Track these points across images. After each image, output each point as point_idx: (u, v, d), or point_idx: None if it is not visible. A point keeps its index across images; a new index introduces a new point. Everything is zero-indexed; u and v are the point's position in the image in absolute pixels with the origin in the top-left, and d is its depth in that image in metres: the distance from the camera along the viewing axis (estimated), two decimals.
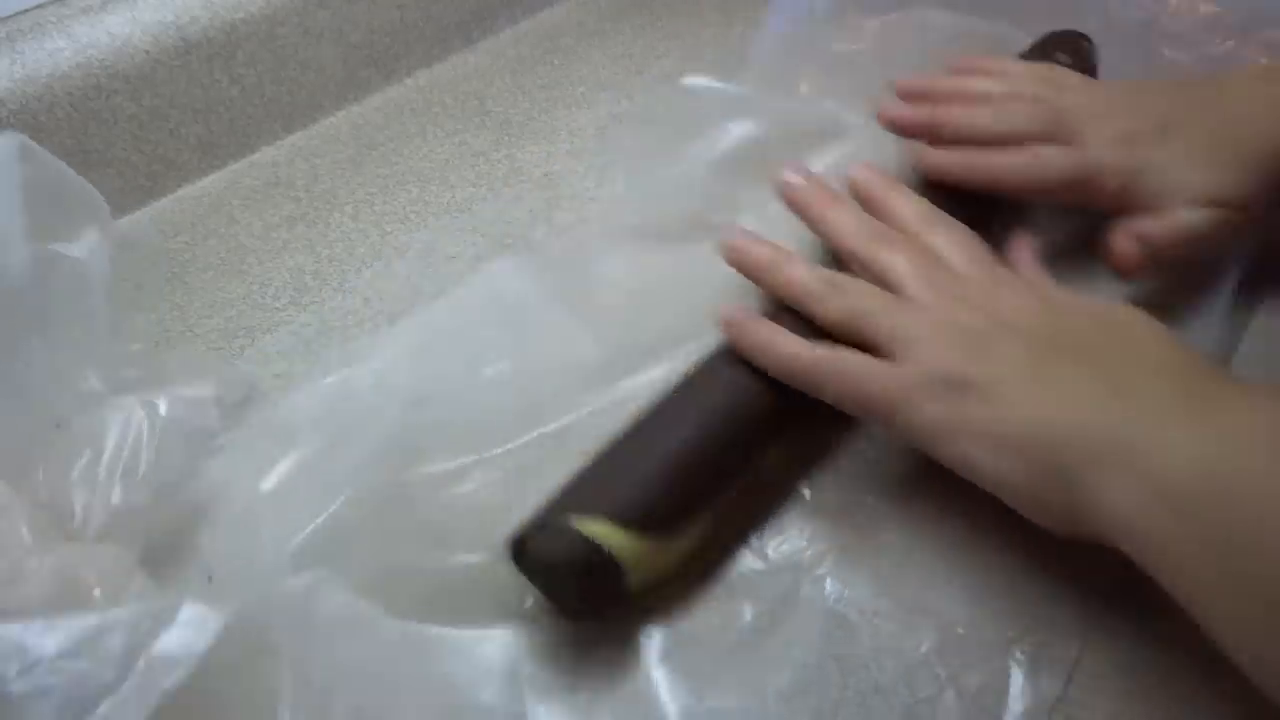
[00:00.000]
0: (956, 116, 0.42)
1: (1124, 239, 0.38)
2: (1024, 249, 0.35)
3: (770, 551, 0.32)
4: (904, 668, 0.29)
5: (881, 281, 0.32)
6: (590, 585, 0.28)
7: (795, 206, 0.36)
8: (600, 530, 0.28)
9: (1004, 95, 0.42)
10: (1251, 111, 0.38)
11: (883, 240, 0.34)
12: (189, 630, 0.23)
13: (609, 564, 0.28)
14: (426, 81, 0.56)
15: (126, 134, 0.47)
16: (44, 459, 0.29)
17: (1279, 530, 0.24)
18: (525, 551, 0.29)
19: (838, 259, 0.35)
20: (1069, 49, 0.48)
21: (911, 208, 0.35)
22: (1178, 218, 0.38)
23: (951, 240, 0.34)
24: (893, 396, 0.30)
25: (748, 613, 0.30)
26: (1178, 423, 0.27)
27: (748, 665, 0.29)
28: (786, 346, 0.32)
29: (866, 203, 0.36)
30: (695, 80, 0.47)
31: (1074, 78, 0.43)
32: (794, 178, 0.37)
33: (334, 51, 0.53)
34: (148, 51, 0.46)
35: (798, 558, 0.32)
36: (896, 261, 0.33)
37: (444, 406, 0.34)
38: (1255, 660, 0.25)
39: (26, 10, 0.45)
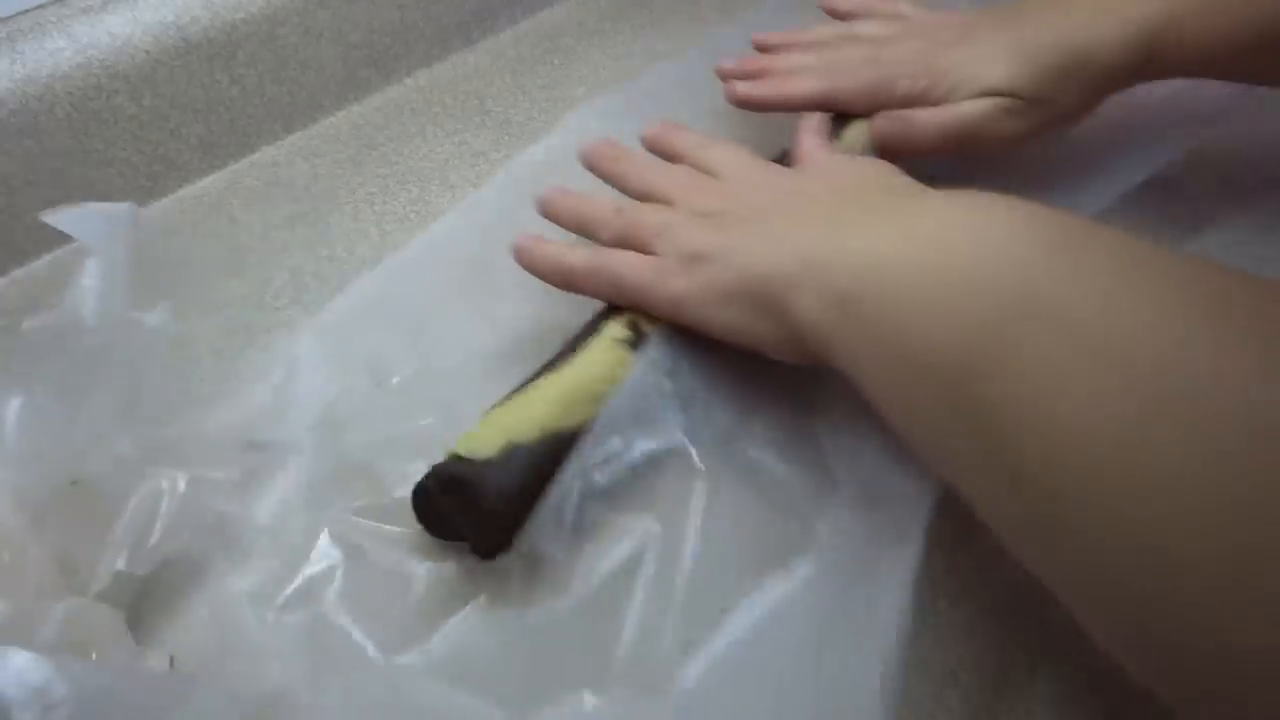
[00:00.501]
0: (778, 60, 0.46)
1: (882, 120, 0.42)
2: (808, 129, 0.40)
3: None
4: None
5: (656, 199, 0.37)
6: (447, 485, 0.30)
7: (590, 165, 0.41)
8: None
9: (836, 37, 0.47)
10: (1043, 15, 0.40)
11: (658, 168, 0.39)
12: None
13: (449, 461, 0.31)
14: (426, 81, 0.56)
15: (126, 134, 0.47)
16: (61, 512, 0.30)
17: (921, 314, 0.25)
18: (429, 519, 0.32)
19: None
20: None
21: (687, 136, 0.40)
22: (952, 108, 0.40)
23: (723, 154, 0.38)
24: (648, 279, 0.34)
25: None
26: (858, 232, 0.29)
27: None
28: (563, 258, 0.36)
29: (652, 147, 0.41)
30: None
31: (920, 13, 0.47)
32: (590, 143, 0.41)
33: (334, 51, 0.53)
34: (148, 51, 0.46)
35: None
36: (667, 179, 0.37)
37: (365, 424, 0.36)
38: (925, 443, 0.27)
39: (26, 10, 0.45)
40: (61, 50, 0.44)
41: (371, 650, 0.30)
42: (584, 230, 0.38)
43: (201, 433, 0.35)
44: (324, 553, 0.32)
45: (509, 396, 0.33)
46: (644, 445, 0.33)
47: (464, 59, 0.58)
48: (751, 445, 0.34)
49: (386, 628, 0.30)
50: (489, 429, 0.31)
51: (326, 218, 0.47)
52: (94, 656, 0.27)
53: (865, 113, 0.43)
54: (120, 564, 0.30)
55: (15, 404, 0.31)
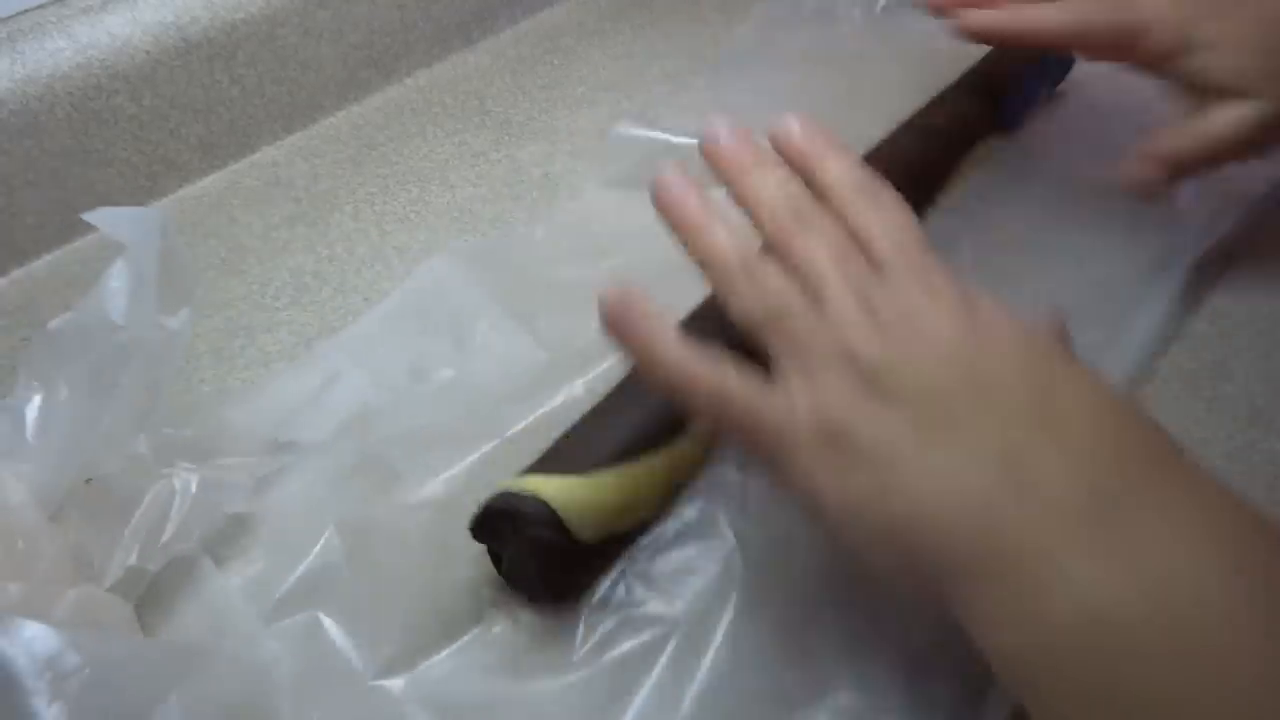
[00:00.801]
0: None
1: (1141, 167, 0.37)
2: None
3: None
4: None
5: (798, 273, 0.27)
6: (533, 538, 0.29)
7: (713, 164, 0.30)
8: (527, 483, 0.30)
9: None
10: None
11: (802, 221, 0.28)
12: None
13: (540, 507, 0.29)
14: (426, 81, 0.56)
15: (126, 134, 0.47)
16: (77, 508, 0.31)
17: (1169, 691, 0.21)
18: (481, 527, 0.30)
19: None
20: None
21: (845, 173, 0.29)
22: (1211, 125, 0.36)
23: (883, 221, 0.28)
24: (767, 434, 0.26)
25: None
26: (1073, 540, 0.22)
27: None
28: (666, 352, 0.27)
29: (796, 162, 0.30)
30: (623, 130, 0.48)
31: None
32: (716, 130, 0.31)
33: (334, 51, 0.53)
34: (148, 51, 0.46)
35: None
36: (816, 254, 0.27)
37: (397, 420, 0.36)
38: None
39: (26, 10, 0.45)
40: (61, 50, 0.44)
41: (357, 664, 0.29)
42: (706, 269, 0.29)
43: (220, 432, 0.35)
44: (329, 552, 0.31)
45: (567, 452, 0.32)
46: (693, 535, 0.31)
47: (464, 59, 0.58)
48: (795, 563, 0.31)
49: (375, 644, 0.29)
50: (569, 501, 0.30)
51: (326, 218, 0.47)
52: None
53: (1110, 55, 0.38)
54: (133, 559, 0.30)
55: (36, 401, 0.31)
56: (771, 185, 0.29)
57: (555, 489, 0.30)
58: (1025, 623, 0.22)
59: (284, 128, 0.52)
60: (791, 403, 0.25)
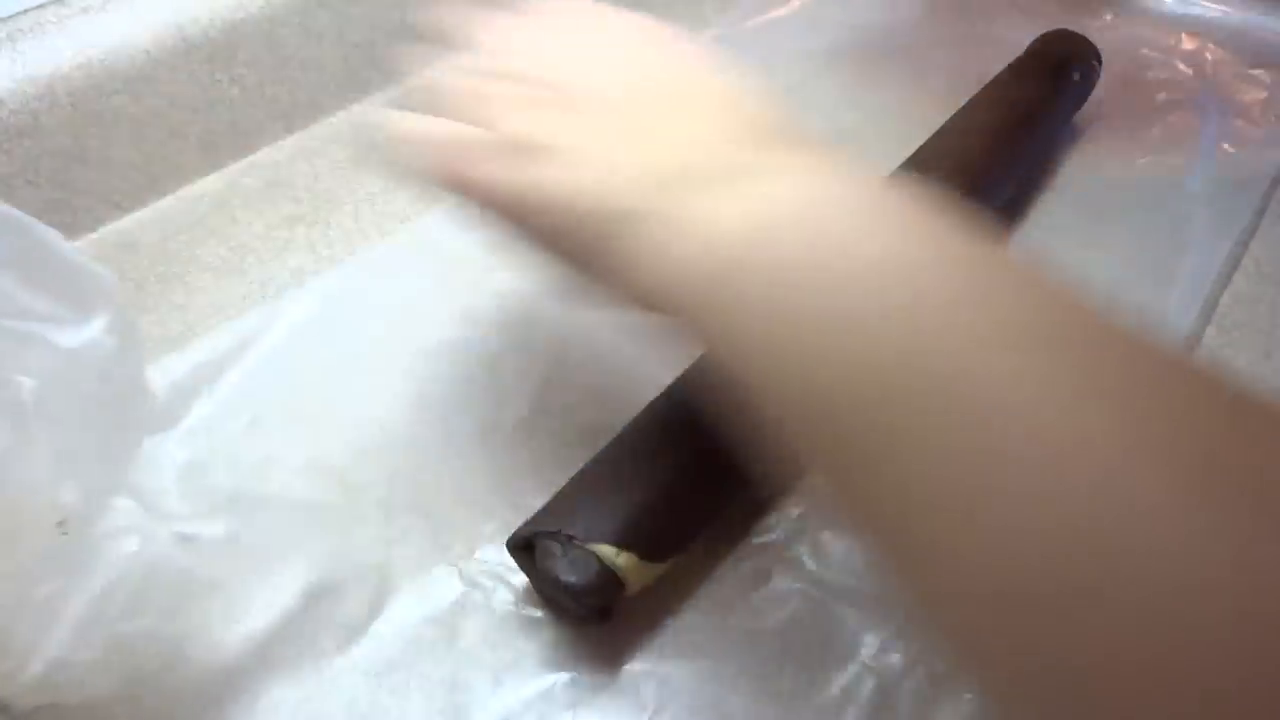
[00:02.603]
0: None
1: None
2: None
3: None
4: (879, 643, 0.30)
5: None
6: (593, 600, 0.29)
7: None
8: (608, 552, 0.29)
9: None
10: None
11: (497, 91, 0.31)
12: None
13: (614, 582, 0.29)
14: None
15: (126, 134, 0.47)
16: (16, 576, 0.25)
17: (822, 293, 0.22)
18: (536, 564, 0.30)
19: None
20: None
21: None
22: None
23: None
24: (461, 155, 0.29)
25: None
26: (710, 187, 0.25)
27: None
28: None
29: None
30: None
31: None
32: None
33: (334, 51, 0.53)
34: (148, 51, 0.46)
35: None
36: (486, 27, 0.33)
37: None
38: (778, 409, 0.23)
39: (26, 10, 0.45)
40: (61, 50, 0.44)
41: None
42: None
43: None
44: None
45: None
46: None
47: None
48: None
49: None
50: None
51: (326, 218, 0.47)
52: None
53: None
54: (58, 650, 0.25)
55: None
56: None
57: (635, 573, 0.29)
58: (663, 259, 0.24)
59: (284, 128, 0.52)
60: (483, 138, 0.28)
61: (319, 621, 0.31)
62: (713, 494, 0.32)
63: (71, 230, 0.45)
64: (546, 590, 0.31)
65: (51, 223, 0.27)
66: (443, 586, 0.32)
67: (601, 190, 0.26)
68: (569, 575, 0.29)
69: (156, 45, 0.47)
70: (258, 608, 0.31)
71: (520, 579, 0.32)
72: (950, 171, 0.41)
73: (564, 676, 0.30)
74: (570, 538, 0.29)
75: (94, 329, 0.26)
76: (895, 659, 0.30)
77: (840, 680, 0.29)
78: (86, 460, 0.26)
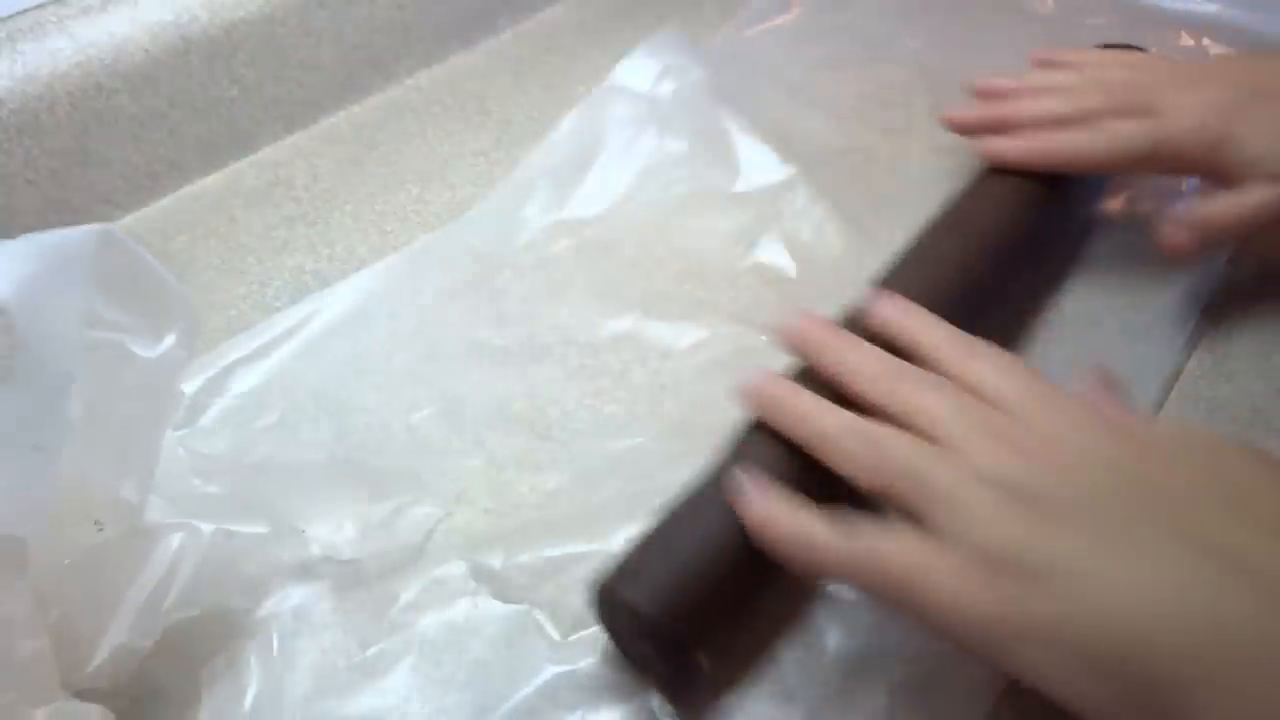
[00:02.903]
0: (1023, 107, 0.40)
1: (1174, 230, 0.37)
2: (1095, 379, 0.29)
3: None
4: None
5: (915, 428, 0.26)
6: (663, 666, 0.29)
7: (801, 351, 0.31)
8: (686, 631, 0.27)
9: (1079, 81, 0.41)
10: None
11: (907, 378, 0.28)
12: None
13: (691, 661, 0.28)
14: (426, 81, 0.56)
15: (126, 134, 0.47)
16: (81, 570, 0.27)
17: None
18: (615, 625, 0.29)
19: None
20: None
21: (940, 333, 0.29)
22: (1245, 199, 0.36)
23: (996, 367, 0.27)
24: (934, 584, 0.24)
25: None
26: None
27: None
28: (816, 537, 0.26)
29: (887, 335, 0.30)
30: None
31: (1155, 59, 0.42)
32: (794, 320, 0.31)
33: (334, 51, 0.53)
34: (148, 51, 0.46)
35: None
36: (931, 404, 0.26)
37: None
38: None
39: (26, 10, 0.45)
40: (61, 50, 0.44)
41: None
42: (818, 453, 0.28)
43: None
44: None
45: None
46: None
47: (464, 59, 0.58)
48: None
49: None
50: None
51: (326, 218, 0.47)
52: None
53: (1144, 171, 0.39)
54: (124, 637, 0.27)
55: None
56: (863, 352, 0.29)
57: (706, 649, 0.28)
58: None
59: (284, 128, 0.52)
60: (944, 549, 0.24)
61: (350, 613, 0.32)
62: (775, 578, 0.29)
63: None
64: (623, 644, 0.30)
65: (51, 222, 0.27)
66: (462, 585, 0.32)
67: (1120, 627, 0.21)
68: (658, 666, 0.29)
69: (156, 45, 0.47)
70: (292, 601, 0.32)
71: (548, 592, 0.31)
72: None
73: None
74: (647, 606, 0.27)
75: (169, 342, 0.28)
76: None
77: None
78: (133, 459, 0.28)
